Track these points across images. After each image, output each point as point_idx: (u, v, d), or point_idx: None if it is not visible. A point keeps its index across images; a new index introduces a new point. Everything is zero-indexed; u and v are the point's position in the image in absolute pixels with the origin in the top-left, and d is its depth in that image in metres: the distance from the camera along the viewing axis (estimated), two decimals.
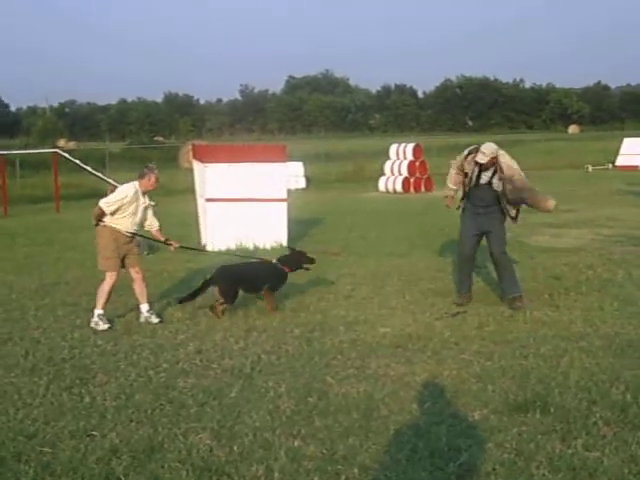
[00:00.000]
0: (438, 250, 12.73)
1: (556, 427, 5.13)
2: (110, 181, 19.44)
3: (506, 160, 8.61)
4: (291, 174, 26.62)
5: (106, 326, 8.22)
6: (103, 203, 8.36)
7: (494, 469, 4.54)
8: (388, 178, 28.76)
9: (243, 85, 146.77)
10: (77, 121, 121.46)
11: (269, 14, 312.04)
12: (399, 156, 29.16)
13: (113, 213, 8.33)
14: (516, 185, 8.58)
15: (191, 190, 17.28)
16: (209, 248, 13.33)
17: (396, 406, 5.64)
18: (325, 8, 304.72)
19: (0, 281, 11.24)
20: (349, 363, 6.76)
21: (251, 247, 13.68)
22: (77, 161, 26.03)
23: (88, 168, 25.58)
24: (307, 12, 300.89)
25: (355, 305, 9.05)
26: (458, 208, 9.13)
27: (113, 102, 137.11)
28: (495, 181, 8.60)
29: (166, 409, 5.71)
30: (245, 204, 14.10)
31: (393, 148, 29.69)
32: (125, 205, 8.32)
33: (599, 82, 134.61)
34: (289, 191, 15.77)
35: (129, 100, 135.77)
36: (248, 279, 8.77)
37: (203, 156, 14.96)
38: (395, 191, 27.99)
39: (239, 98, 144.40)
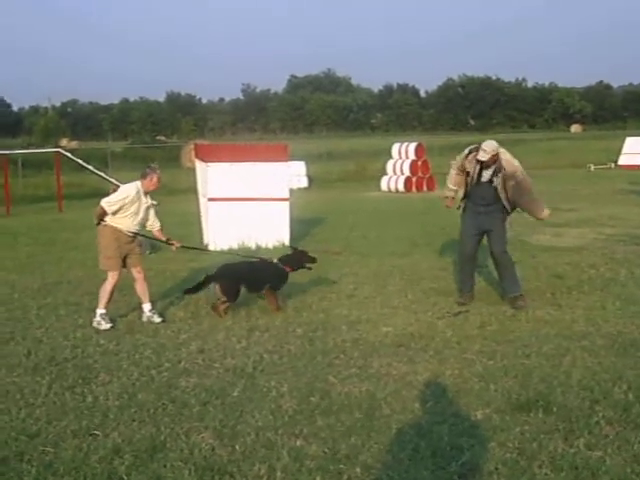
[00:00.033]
0: (440, 249, 12.72)
1: (558, 426, 5.13)
2: (112, 180, 19.43)
3: (507, 157, 8.63)
4: (293, 173, 26.64)
5: (108, 325, 8.23)
6: (105, 202, 8.37)
7: (496, 468, 4.54)
8: (390, 177, 28.75)
9: (245, 84, 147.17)
10: (79, 120, 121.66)
11: (271, 14, 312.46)
12: (401, 155, 29.16)
13: (115, 213, 8.33)
14: (518, 181, 8.58)
15: (193, 189, 17.29)
16: (211, 247, 13.33)
17: (398, 405, 5.64)
18: (327, 7, 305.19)
19: (2, 280, 11.25)
20: (351, 362, 6.76)
21: (253, 246, 13.69)
22: (79, 160, 26.03)
23: (90, 167, 25.59)
24: (309, 11, 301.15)
25: (357, 304, 9.05)
26: (459, 208, 9.13)
27: (115, 101, 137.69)
28: (496, 179, 8.60)
29: (168, 408, 5.72)
30: (247, 203, 14.10)
31: (395, 147, 29.68)
32: (127, 205, 8.32)
33: (601, 81, 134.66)
34: (291, 190, 15.78)
35: (131, 99, 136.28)
36: (249, 278, 8.77)
37: (205, 155, 14.96)
38: (397, 190, 27.98)
39: (241, 97, 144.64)
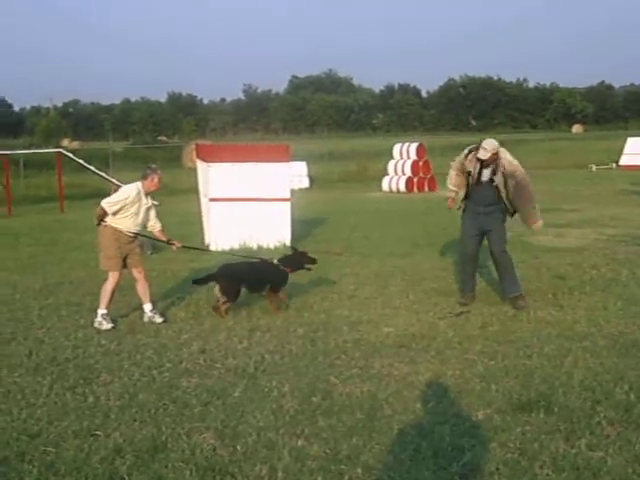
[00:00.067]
0: (441, 250, 12.72)
1: (560, 427, 5.13)
2: (114, 181, 19.45)
3: (507, 156, 8.64)
4: (294, 174, 26.63)
5: (110, 326, 8.23)
6: (105, 203, 8.37)
7: (497, 469, 4.54)
8: (391, 178, 28.75)
9: (246, 85, 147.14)
10: (81, 121, 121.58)
11: (272, 14, 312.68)
12: (402, 156, 29.15)
13: (115, 213, 8.34)
14: (518, 180, 8.58)
15: (194, 190, 17.29)
16: (212, 248, 13.33)
17: (400, 406, 5.64)
18: (328, 8, 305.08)
19: (4, 281, 11.26)
20: (353, 363, 6.76)
21: (255, 247, 13.69)
22: (81, 161, 26.02)
23: (92, 168, 25.58)
24: (310, 12, 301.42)
25: (359, 305, 9.05)
26: (459, 208, 9.12)
27: (117, 102, 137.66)
28: (496, 178, 8.60)
29: (170, 409, 5.72)
30: (249, 204, 14.10)
31: (396, 148, 29.68)
32: (127, 205, 8.33)
33: (603, 82, 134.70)
34: (292, 191, 15.78)
35: (133, 100, 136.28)
36: (250, 278, 8.77)
37: (207, 156, 14.97)
38: (398, 191, 27.97)
39: (242, 98, 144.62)
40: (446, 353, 6.97)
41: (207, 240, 14.31)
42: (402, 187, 27.99)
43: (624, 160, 37.36)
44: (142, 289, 8.64)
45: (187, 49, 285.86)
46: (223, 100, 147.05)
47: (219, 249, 12.84)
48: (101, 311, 8.33)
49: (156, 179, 8.53)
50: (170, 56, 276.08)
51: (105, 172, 26.26)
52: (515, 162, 8.66)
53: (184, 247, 9.21)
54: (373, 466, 4.64)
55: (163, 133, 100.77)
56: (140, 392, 6.11)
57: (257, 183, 14.18)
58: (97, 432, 5.27)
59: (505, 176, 8.56)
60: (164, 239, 8.88)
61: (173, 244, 8.88)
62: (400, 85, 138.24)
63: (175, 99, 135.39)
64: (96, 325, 8.25)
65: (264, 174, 14.24)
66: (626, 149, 37.92)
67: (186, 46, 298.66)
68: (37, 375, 6.62)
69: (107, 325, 8.23)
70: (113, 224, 8.37)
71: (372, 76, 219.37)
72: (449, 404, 5.67)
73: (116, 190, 9.21)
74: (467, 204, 8.99)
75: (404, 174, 28.48)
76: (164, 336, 7.87)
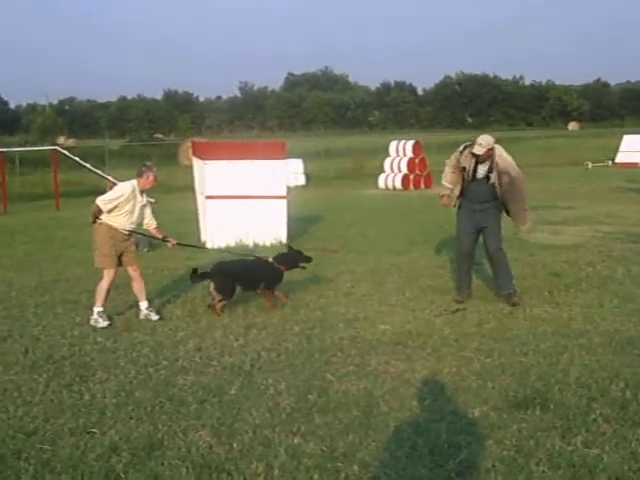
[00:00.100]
0: (438, 247, 12.72)
1: (556, 424, 5.14)
2: (110, 178, 19.42)
3: (501, 153, 8.65)
4: (291, 171, 26.62)
5: (105, 323, 8.22)
6: (100, 201, 8.36)
7: (494, 466, 4.54)
8: (388, 175, 28.75)
9: (242, 82, 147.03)
10: (77, 118, 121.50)
11: (268, 12, 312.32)
12: (399, 153, 29.15)
13: (110, 211, 8.33)
14: (512, 178, 8.60)
15: (191, 187, 17.28)
16: (209, 245, 13.33)
17: (396, 403, 5.64)
18: (324, 6, 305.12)
19: (0, 278, 11.23)
20: (349, 360, 6.76)
21: (251, 244, 13.68)
22: (77, 158, 25.97)
23: (88, 165, 25.53)
24: (306, 10, 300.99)
25: (355, 302, 9.05)
26: (454, 206, 9.12)
27: (113, 99, 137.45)
28: (492, 175, 8.61)
29: (166, 406, 5.72)
30: (245, 201, 14.09)
31: (393, 145, 29.67)
32: (122, 203, 8.32)
33: (599, 79, 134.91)
34: (289, 188, 15.75)
35: (129, 97, 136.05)
36: (244, 276, 8.77)
37: (203, 153, 14.95)
38: (395, 188, 27.97)
39: (238, 95, 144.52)
40: (442, 350, 6.97)
41: (203, 238, 14.30)
42: (398, 184, 27.99)
43: (620, 157, 37.41)
44: (138, 287, 8.63)
45: (183, 47, 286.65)
46: (219, 97, 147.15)
47: (215, 247, 12.85)
48: (97, 309, 8.32)
49: (151, 177, 8.51)
50: (166, 54, 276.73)
51: (101, 170, 26.22)
52: (509, 159, 8.67)
53: (180, 244, 9.20)
54: (369, 463, 4.64)
55: (159, 131, 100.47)
56: (136, 390, 6.11)
57: (253, 181, 14.17)
58: (93, 430, 5.27)
59: (499, 173, 8.58)
60: (160, 236, 8.87)
61: (169, 241, 8.87)
62: (396, 82, 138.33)
63: (171, 97, 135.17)
64: (92, 323, 8.24)
65: (260, 171, 14.23)
66: (622, 147, 37.95)
67: (182, 44, 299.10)
68: (33, 373, 6.61)
69: (103, 323, 8.22)
70: (108, 222, 8.36)
71: (368, 73, 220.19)
72: (445, 401, 5.68)
73: (112, 188, 9.20)
74: (462, 201, 8.99)
75: (400, 171, 28.48)
76: (160, 334, 7.86)
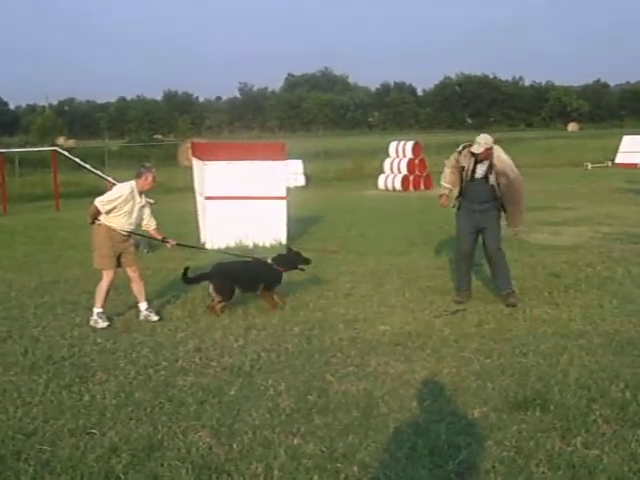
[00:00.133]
0: (437, 248, 12.72)
1: (556, 425, 5.13)
2: (109, 179, 19.42)
3: (499, 154, 8.65)
4: (290, 172, 26.64)
5: (105, 324, 8.22)
6: (98, 202, 8.36)
7: (494, 467, 4.54)
8: (387, 176, 28.75)
9: (242, 83, 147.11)
10: (76, 119, 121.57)
11: (268, 13, 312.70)
12: (398, 154, 29.15)
13: (108, 212, 8.32)
14: (511, 179, 8.60)
15: (190, 188, 17.28)
16: (208, 246, 13.32)
17: (396, 404, 5.64)
18: (324, 6, 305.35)
19: (0, 279, 11.25)
20: (349, 361, 6.76)
21: (250, 245, 13.68)
22: (76, 159, 25.98)
23: (87, 166, 25.54)
24: (306, 10, 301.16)
25: (354, 303, 9.05)
26: (453, 206, 9.12)
27: (112, 100, 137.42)
28: (491, 176, 8.62)
29: (165, 407, 5.71)
30: (244, 202, 14.09)
31: (392, 146, 29.67)
32: (120, 204, 8.31)
33: (598, 80, 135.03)
34: (288, 189, 15.77)
35: (128, 98, 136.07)
36: (243, 277, 8.77)
37: (202, 154, 14.95)
38: (394, 189, 27.96)
39: (238, 96, 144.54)
40: (442, 351, 6.97)
41: (203, 238, 14.30)
42: (398, 185, 27.99)
43: (620, 158, 37.42)
44: (137, 288, 8.63)
45: (183, 48, 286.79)
46: (219, 98, 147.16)
47: (215, 247, 12.84)
48: (97, 310, 8.32)
49: (150, 178, 8.51)
50: (167, 55, 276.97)
51: (101, 170, 26.22)
52: (508, 161, 8.68)
53: (179, 245, 9.20)
54: (369, 464, 4.64)
55: (159, 131, 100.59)
56: (136, 391, 6.10)
57: (253, 181, 14.17)
58: (93, 431, 5.27)
59: (497, 173, 8.58)
60: (159, 237, 8.87)
61: (168, 242, 8.87)
62: (396, 83, 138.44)
63: (171, 97, 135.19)
64: (92, 323, 8.24)
65: (260, 172, 14.24)
66: (622, 147, 37.97)
67: (182, 45, 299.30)
68: (33, 374, 6.61)
69: (103, 323, 8.22)
70: (107, 223, 8.35)
71: (368, 74, 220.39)
72: (445, 402, 5.67)
73: (111, 188, 9.20)
74: (462, 202, 8.99)
75: (400, 172, 28.47)
76: (160, 334, 7.86)
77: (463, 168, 8.73)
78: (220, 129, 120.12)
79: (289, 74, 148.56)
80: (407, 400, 5.72)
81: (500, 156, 8.64)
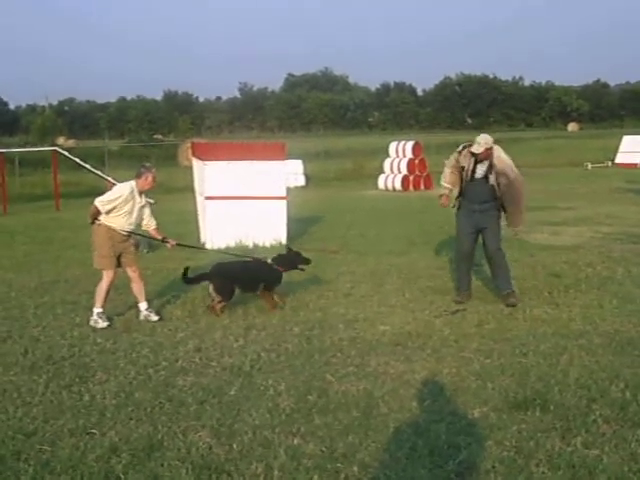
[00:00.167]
0: (437, 248, 12.72)
1: (556, 425, 5.13)
2: (109, 179, 19.42)
3: (499, 154, 8.65)
4: (290, 172, 26.64)
5: (105, 324, 8.22)
6: (98, 202, 8.36)
7: (494, 467, 4.54)
8: (387, 176, 28.75)
9: (242, 83, 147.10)
10: (76, 119, 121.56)
11: (268, 13, 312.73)
12: (398, 154, 29.15)
13: (108, 212, 8.32)
14: (511, 180, 8.61)
15: (190, 188, 17.28)
16: (208, 246, 13.32)
17: (396, 404, 5.64)
18: (325, 6, 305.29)
19: (0, 279, 11.25)
20: (349, 361, 6.76)
21: (250, 245, 13.68)
22: (76, 159, 25.98)
23: (87, 166, 25.55)
24: (307, 10, 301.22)
25: (354, 303, 9.05)
26: (453, 206, 9.12)
27: (112, 100, 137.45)
28: (491, 176, 8.62)
29: (165, 407, 5.71)
30: (244, 202, 14.09)
31: (392, 146, 29.68)
32: (120, 204, 8.31)
33: (598, 80, 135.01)
34: (288, 189, 15.77)
35: (128, 98, 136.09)
36: (243, 277, 8.77)
37: (202, 154, 14.95)
38: (394, 189, 27.96)
39: (238, 96, 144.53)
40: (442, 351, 6.97)
41: (203, 238, 14.30)
42: (398, 185, 27.99)
43: (620, 158, 37.44)
44: (137, 288, 8.63)
45: (183, 48, 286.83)
46: (219, 98, 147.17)
47: (215, 247, 12.84)
48: (96, 310, 8.32)
49: (150, 178, 8.51)
50: (167, 55, 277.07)
51: (101, 170, 26.23)
52: (508, 161, 8.68)
53: (179, 245, 9.20)
54: (369, 464, 4.64)
55: (159, 131, 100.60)
56: (136, 391, 6.10)
57: (253, 181, 14.17)
58: (93, 431, 5.27)
59: (496, 174, 8.59)
60: (159, 237, 8.87)
61: (168, 242, 8.87)
62: (396, 83, 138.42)
63: (171, 97, 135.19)
64: (92, 324, 8.24)
65: (260, 172, 14.23)
66: (622, 147, 37.98)
67: (183, 45, 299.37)
68: (33, 374, 6.61)
69: (103, 323, 8.22)
70: (107, 223, 8.35)
71: (368, 74, 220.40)
72: (445, 402, 5.67)
73: (111, 188, 9.20)
74: (462, 202, 8.99)
75: (400, 172, 28.48)
76: (160, 334, 7.86)
77: (463, 168, 8.73)
78: (220, 129, 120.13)
79: (289, 74, 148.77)
80: (407, 400, 5.72)
81: (500, 156, 8.65)
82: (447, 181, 8.99)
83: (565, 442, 4.85)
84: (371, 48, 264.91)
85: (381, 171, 29.50)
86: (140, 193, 8.51)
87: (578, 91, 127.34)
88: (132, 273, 8.59)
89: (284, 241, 13.64)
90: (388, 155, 29.63)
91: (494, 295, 9.11)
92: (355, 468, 4.58)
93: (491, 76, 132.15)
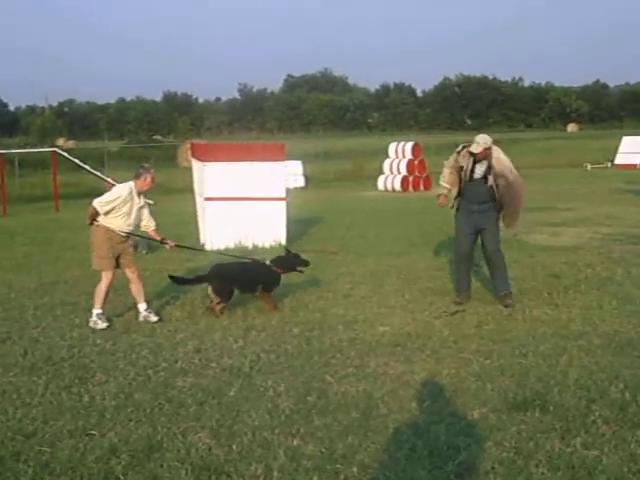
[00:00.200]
0: (437, 249, 12.72)
1: (555, 426, 5.13)
2: (109, 180, 19.43)
3: (499, 155, 8.66)
4: (290, 173, 26.64)
5: (105, 325, 8.22)
6: (97, 203, 8.36)
7: (493, 468, 4.54)
8: (387, 177, 28.75)
9: (242, 84, 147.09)
10: (76, 120, 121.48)
11: (268, 13, 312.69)
12: (398, 155, 29.15)
13: (107, 213, 8.32)
14: (510, 182, 8.61)
15: (190, 189, 17.28)
16: (208, 247, 13.32)
17: (395, 405, 5.64)
18: (324, 7, 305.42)
19: None
20: (348, 362, 6.76)
21: (250, 246, 13.67)
22: (76, 160, 25.98)
23: (87, 167, 25.54)
24: (306, 11, 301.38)
25: (354, 304, 9.05)
26: (452, 207, 9.13)
27: (112, 101, 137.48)
28: (490, 177, 8.62)
29: (165, 408, 5.71)
30: (244, 203, 14.08)
31: (392, 147, 29.68)
32: (119, 205, 8.31)
33: (598, 81, 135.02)
34: (288, 190, 15.76)
35: (128, 99, 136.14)
36: (242, 278, 8.77)
37: (202, 155, 14.95)
38: (394, 190, 27.96)
39: (238, 97, 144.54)
40: (441, 352, 6.97)
41: (202, 239, 14.30)
42: (397, 186, 27.99)
43: (619, 159, 37.45)
44: (136, 289, 8.62)
45: (183, 48, 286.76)
46: (218, 99, 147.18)
47: (214, 248, 12.83)
48: (96, 310, 8.32)
49: (149, 178, 8.51)
50: (166, 55, 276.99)
51: (100, 171, 26.20)
52: (507, 163, 8.68)
53: (178, 246, 9.20)
54: (369, 465, 4.64)
55: (158, 132, 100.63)
56: (135, 392, 6.10)
57: (252, 182, 14.17)
58: (92, 432, 5.27)
59: (495, 175, 8.59)
60: (158, 238, 8.86)
61: (166, 243, 8.87)
62: (395, 84, 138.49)
63: (170, 98, 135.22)
64: (91, 324, 8.24)
65: (259, 173, 14.23)
66: (621, 148, 37.99)
67: (182, 46, 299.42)
68: (32, 374, 6.61)
69: (102, 324, 8.22)
70: (105, 224, 8.35)
71: (367, 75, 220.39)
72: (445, 403, 5.68)
73: (111, 189, 9.20)
74: (461, 202, 8.99)
75: (399, 173, 28.48)
76: (159, 335, 7.86)
77: (462, 168, 8.74)
78: (219, 130, 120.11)
79: (288, 75, 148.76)
80: (406, 401, 5.72)
81: (499, 157, 8.65)
82: (446, 181, 9.00)
83: (564, 443, 4.86)
84: (371, 49, 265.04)
85: (380, 172, 29.49)
86: (139, 194, 8.51)
87: (578, 92, 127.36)
88: (131, 274, 8.59)
89: (284, 242, 13.64)
90: (388, 156, 29.63)
91: (493, 296, 9.11)
92: (355, 469, 4.58)
93: (490, 77, 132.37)
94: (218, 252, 11.67)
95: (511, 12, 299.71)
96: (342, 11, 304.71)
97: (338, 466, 4.63)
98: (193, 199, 15.89)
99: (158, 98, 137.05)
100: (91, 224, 8.45)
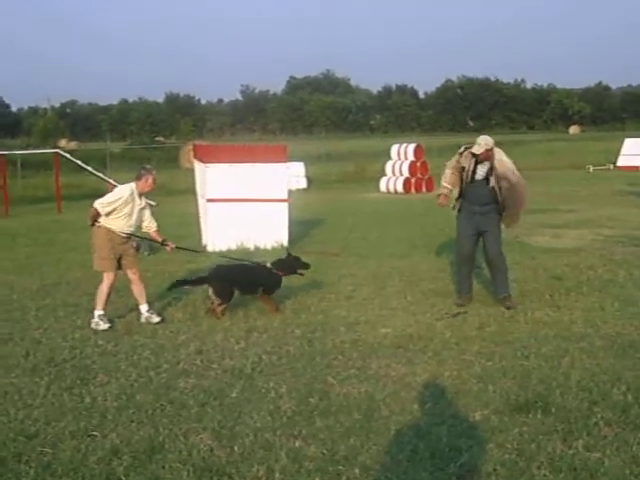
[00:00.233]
0: (439, 251, 12.72)
1: (557, 427, 5.13)
2: (111, 181, 19.45)
3: (501, 157, 8.66)
4: (292, 174, 26.61)
5: (107, 326, 8.22)
6: (98, 204, 8.37)
7: (495, 470, 4.54)
8: (389, 179, 28.76)
9: (244, 85, 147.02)
10: (78, 121, 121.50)
11: (271, 15, 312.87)
12: (400, 156, 29.17)
13: (108, 214, 8.33)
14: (513, 184, 8.61)
15: (192, 190, 17.28)
16: (210, 249, 13.33)
17: (397, 407, 5.64)
18: (326, 9, 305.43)
19: (1, 281, 11.24)
20: (350, 363, 6.76)
21: (252, 248, 13.68)
22: (78, 161, 26.03)
23: (89, 168, 25.59)
24: (308, 13, 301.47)
25: (356, 306, 9.05)
26: (453, 208, 9.12)
27: (114, 102, 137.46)
28: (492, 179, 8.63)
29: (167, 409, 5.71)
30: (246, 204, 14.09)
31: (394, 148, 29.70)
32: (120, 206, 8.32)
33: (600, 82, 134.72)
34: (290, 191, 15.76)
35: (130, 100, 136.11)
36: (242, 280, 8.78)
37: (204, 156, 14.96)
38: (396, 192, 27.98)
39: (240, 98, 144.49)
40: (443, 354, 6.97)
41: (204, 241, 14.30)
42: (400, 188, 28.01)
43: (621, 161, 37.46)
44: (137, 290, 8.63)
45: (185, 50, 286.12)
46: (221, 101, 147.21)
47: (216, 250, 12.84)
48: (98, 312, 8.33)
49: (150, 180, 8.51)
50: (169, 57, 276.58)
51: (102, 173, 26.26)
52: (509, 164, 8.68)
53: (178, 248, 9.20)
54: (370, 467, 4.64)
55: (160, 134, 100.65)
56: (137, 393, 6.11)
57: (254, 184, 14.17)
58: (94, 433, 5.27)
59: (497, 177, 8.59)
60: (159, 239, 8.87)
61: (167, 245, 8.87)
62: (397, 86, 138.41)
63: (173, 100, 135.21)
64: (93, 326, 8.25)
65: (261, 175, 14.24)
66: (623, 150, 38.01)
67: (185, 47, 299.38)
68: (34, 376, 6.61)
69: (104, 326, 8.22)
70: (106, 225, 8.36)
71: (370, 77, 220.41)
72: (446, 405, 5.67)
73: (113, 190, 9.21)
74: (462, 204, 8.99)
75: (402, 175, 28.50)
76: (161, 337, 7.87)
77: (464, 169, 8.75)
78: (222, 131, 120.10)
79: (291, 77, 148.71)
80: (408, 403, 5.72)
81: (502, 159, 8.65)
82: (447, 181, 9.00)
83: (566, 445, 4.85)
84: (373, 51, 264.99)
85: (383, 174, 29.51)
86: (140, 195, 8.52)
87: (580, 94, 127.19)
88: (132, 275, 8.60)
89: (286, 243, 13.64)
90: (390, 158, 29.64)
91: (495, 298, 9.11)
92: (356, 471, 4.58)
93: (493, 79, 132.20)
94: (219, 254, 11.66)
95: (513, 14, 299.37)
96: (344, 13, 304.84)
97: (340, 468, 4.62)
98: (195, 200, 15.89)
99: (160, 99, 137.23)
100: (92, 225, 8.46)
